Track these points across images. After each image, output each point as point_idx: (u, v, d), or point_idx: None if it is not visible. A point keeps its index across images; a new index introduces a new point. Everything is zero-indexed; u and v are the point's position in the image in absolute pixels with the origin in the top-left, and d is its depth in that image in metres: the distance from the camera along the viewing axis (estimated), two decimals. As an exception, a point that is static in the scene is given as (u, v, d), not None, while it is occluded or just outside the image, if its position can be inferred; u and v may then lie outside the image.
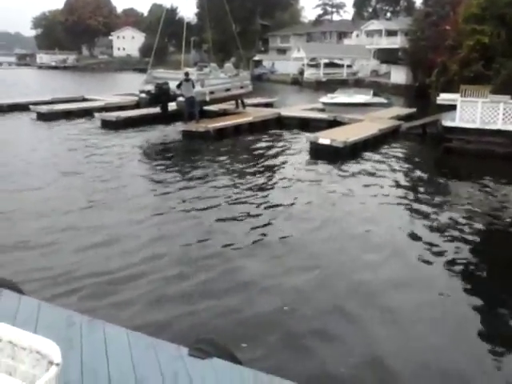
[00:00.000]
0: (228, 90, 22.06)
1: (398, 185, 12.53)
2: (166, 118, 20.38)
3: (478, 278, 7.40)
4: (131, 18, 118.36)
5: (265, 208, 10.14)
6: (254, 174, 13.29)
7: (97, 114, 20.91)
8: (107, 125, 19.99)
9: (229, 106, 23.38)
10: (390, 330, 5.66)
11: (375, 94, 25.77)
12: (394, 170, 14.08)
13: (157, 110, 20.46)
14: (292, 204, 10.48)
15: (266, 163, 14.80)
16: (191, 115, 18.93)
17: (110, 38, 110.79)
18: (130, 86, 30.08)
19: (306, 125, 20.79)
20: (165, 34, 72.18)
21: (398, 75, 45.94)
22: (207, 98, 20.01)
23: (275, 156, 15.89)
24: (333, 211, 10.11)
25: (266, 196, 11.07)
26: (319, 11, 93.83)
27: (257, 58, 70.26)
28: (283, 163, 14.75)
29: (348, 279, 6.92)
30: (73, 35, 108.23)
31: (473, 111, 16.47)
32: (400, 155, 16.36)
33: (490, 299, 6.56)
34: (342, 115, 20.96)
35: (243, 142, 18.25)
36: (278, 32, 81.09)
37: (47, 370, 2.25)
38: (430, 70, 32.41)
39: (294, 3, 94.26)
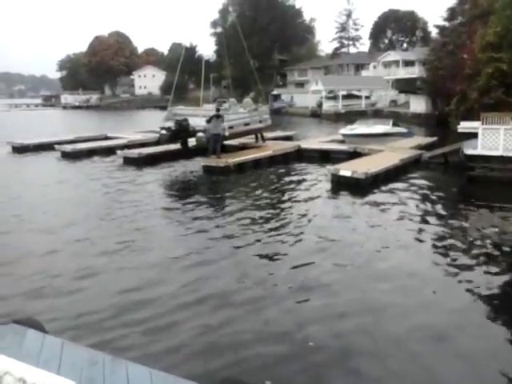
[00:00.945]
0: (247, 124, 22.33)
1: (423, 215, 12.32)
2: (187, 154, 20.64)
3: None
4: (152, 58, 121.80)
5: (294, 242, 10.01)
6: (277, 208, 13.26)
7: (119, 152, 21.30)
8: (129, 162, 20.32)
9: (249, 140, 23.60)
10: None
11: (395, 124, 25.70)
12: (417, 200, 13.89)
13: (177, 146, 20.77)
14: (321, 238, 10.31)
15: (288, 197, 14.77)
16: (215, 150, 19.06)
17: (132, 77, 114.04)
18: (151, 124, 30.67)
19: (326, 157, 20.79)
20: (185, 72, 73.96)
21: (417, 104, 45.89)
22: (226, 133, 20.24)
23: (297, 189, 15.85)
24: (362, 245, 9.97)
25: (292, 231, 10.93)
26: (336, 44, 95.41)
27: (275, 92, 71.19)
28: (305, 196, 14.66)
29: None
30: (96, 76, 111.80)
31: (495, 138, 16.28)
32: (423, 185, 16.17)
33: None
34: (362, 146, 20.93)
35: (264, 176, 18.32)
36: (295, 66, 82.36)
37: (70, 413, 2.23)
38: (450, 98, 32.27)
39: (311, 38, 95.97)
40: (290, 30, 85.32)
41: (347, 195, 14.44)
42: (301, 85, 76.52)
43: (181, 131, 19.39)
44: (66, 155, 22.62)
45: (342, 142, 23.63)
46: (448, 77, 33.86)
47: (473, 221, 12.28)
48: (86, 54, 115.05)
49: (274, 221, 11.78)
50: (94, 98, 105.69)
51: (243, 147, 22.46)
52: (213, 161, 18.69)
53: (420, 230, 10.89)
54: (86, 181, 17.18)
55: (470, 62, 28.22)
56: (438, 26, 44.89)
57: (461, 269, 8.58)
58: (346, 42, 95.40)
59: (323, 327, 6.37)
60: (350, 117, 41.27)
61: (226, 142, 22.12)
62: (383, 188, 15.34)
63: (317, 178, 17.38)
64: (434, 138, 25.29)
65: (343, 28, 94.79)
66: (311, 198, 14.36)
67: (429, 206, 13.32)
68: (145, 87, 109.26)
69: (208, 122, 18.95)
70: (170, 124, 19.57)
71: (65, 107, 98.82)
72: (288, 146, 22.87)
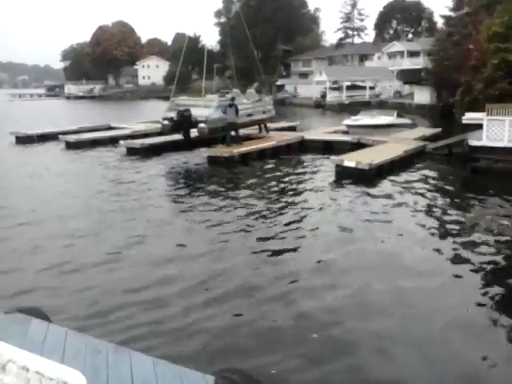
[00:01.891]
0: (250, 115, 22.25)
1: (427, 206, 12.29)
2: (189, 144, 20.61)
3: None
4: (155, 48, 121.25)
5: (301, 236, 9.94)
6: (282, 199, 13.22)
7: (122, 142, 21.33)
8: (132, 152, 20.35)
9: (252, 130, 23.54)
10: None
11: (399, 115, 25.61)
12: (421, 192, 13.84)
13: (180, 136, 20.75)
14: (327, 229, 10.31)
15: (293, 187, 14.76)
16: (231, 138, 19.81)
17: (135, 67, 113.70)
18: (155, 114, 30.62)
19: (329, 148, 20.74)
20: (188, 62, 73.76)
21: (422, 95, 45.65)
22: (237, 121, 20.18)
23: (301, 180, 15.84)
24: (367, 235, 9.99)
25: (299, 221, 10.92)
26: (340, 35, 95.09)
27: (279, 82, 70.96)
28: (309, 187, 14.65)
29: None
30: (99, 66, 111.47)
31: (500, 129, 16.20)
32: (427, 176, 16.12)
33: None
34: (366, 137, 20.85)
35: (268, 166, 18.30)
36: (299, 56, 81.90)
37: (73, 401, 2.24)
38: (454, 89, 32.12)
39: (315, 28, 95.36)
40: (294, 20, 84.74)
41: (351, 186, 14.40)
42: (305, 75, 76.14)
43: (183, 122, 19.37)
44: (70, 145, 22.65)
45: (345, 132, 23.55)
46: (453, 67, 33.64)
47: (476, 212, 12.26)
48: (90, 43, 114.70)
49: (279, 211, 11.77)
50: (97, 88, 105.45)
51: (247, 138, 22.39)
52: (217, 151, 18.69)
53: (424, 221, 10.87)
54: (91, 171, 17.20)
55: (475, 52, 28.00)
56: (443, 16, 44.60)
57: (462, 258, 8.57)
58: (350, 33, 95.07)
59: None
60: (354, 108, 41.06)
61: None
62: (387, 179, 15.31)
63: (321, 169, 17.35)
64: (439, 130, 25.17)
65: (348, 18, 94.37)
66: (315, 189, 14.34)
67: (432, 198, 13.28)
68: (148, 77, 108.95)
69: (224, 112, 19.50)
70: (173, 114, 19.55)
71: (68, 97, 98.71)
72: (292, 136, 22.80)
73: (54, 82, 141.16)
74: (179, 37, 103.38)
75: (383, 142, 19.91)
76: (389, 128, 23.17)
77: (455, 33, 36.69)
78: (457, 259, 8.57)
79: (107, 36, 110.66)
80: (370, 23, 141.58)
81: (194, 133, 20.03)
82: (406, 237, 9.82)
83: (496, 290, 7.37)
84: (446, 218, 11.41)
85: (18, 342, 3.46)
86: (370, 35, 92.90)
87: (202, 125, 18.98)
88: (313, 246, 9.30)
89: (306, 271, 7.98)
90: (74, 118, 40.64)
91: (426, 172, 16.86)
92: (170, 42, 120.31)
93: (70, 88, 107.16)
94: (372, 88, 58.51)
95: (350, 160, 15.66)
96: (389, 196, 13.23)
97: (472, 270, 8.06)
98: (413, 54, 60.54)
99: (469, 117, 18.51)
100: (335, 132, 24.45)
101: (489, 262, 8.41)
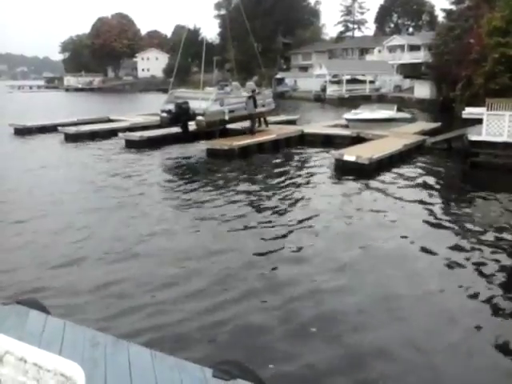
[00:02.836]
0: None
1: (426, 200, 12.29)
2: (188, 137, 20.56)
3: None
4: (155, 40, 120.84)
5: (298, 227, 10.01)
6: (280, 193, 13.22)
7: (121, 134, 21.30)
8: (131, 144, 20.30)
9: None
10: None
11: (399, 109, 25.56)
12: (421, 186, 13.86)
13: (179, 129, 20.70)
14: (325, 223, 10.33)
15: (292, 181, 14.73)
16: (251, 129, 21.11)
17: (135, 59, 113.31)
18: (154, 106, 30.53)
19: (329, 141, 20.71)
20: (188, 55, 73.51)
21: (422, 90, 45.56)
22: (226, 117, 20.12)
23: (300, 174, 15.82)
24: (366, 229, 10.04)
25: (295, 215, 10.94)
26: (341, 28, 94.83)
27: (279, 75, 70.68)
28: (309, 181, 14.65)
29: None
30: (99, 58, 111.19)
31: (500, 124, 16.16)
32: (426, 171, 16.13)
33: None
34: (366, 131, 20.82)
35: (268, 160, 18.28)
36: (299, 50, 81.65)
37: (71, 393, 2.23)
38: (455, 83, 32.06)
39: (315, 21, 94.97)
40: (294, 13, 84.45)
41: (351, 180, 14.39)
42: (305, 69, 75.91)
43: (181, 114, 19.31)
44: (69, 137, 22.59)
45: (345, 126, 23.50)
46: (454, 62, 33.57)
47: (475, 206, 12.27)
48: (89, 35, 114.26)
49: (278, 205, 11.78)
50: (96, 80, 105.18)
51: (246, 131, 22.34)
52: (216, 143, 18.65)
53: (422, 215, 10.88)
54: (90, 164, 17.13)
55: (476, 46, 27.94)
56: (444, 10, 44.45)
57: (460, 252, 8.59)
58: (351, 26, 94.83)
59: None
60: (353, 101, 41.01)
61: (229, 127, 22.07)
62: (387, 173, 15.30)
63: (320, 163, 17.33)
64: (438, 124, 25.14)
65: (348, 11, 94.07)
66: (315, 183, 14.34)
67: (431, 192, 13.29)
68: (148, 70, 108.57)
69: (246, 104, 20.76)
70: (171, 107, 19.49)
71: (67, 89, 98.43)
72: (291, 130, 22.75)
73: (52, 74, 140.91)
74: (179, 29, 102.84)
75: (383, 137, 19.89)
76: (389, 122, 23.13)
77: (456, 27, 36.58)
78: (454, 253, 8.58)
79: (107, 28, 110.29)
80: (370, 16, 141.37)
81: (192, 126, 19.98)
82: (405, 231, 9.81)
83: (484, 272, 7.43)
84: (445, 212, 11.42)
85: (17, 333, 3.47)
86: (370, 29, 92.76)
87: (199, 117, 18.92)
88: (313, 242, 9.30)
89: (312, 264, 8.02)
90: (73, 110, 40.49)
91: (426, 166, 16.86)
92: (169, 35, 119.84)
93: (69, 80, 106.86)
94: (372, 82, 58.35)
95: (349, 154, 15.63)
96: (388, 190, 13.22)
97: (467, 264, 8.08)
98: (413, 47, 60.35)
99: (469, 111, 18.47)
100: (335, 126, 24.40)
101: (487, 256, 8.42)
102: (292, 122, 27.31)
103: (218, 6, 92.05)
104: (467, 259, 8.30)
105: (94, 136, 22.89)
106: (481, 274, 7.74)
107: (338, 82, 57.12)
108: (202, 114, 18.97)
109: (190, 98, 19.88)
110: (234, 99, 21.25)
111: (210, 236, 9.51)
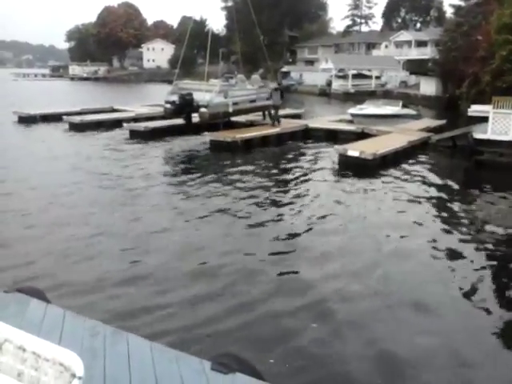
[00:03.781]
0: (253, 101, 22.10)
1: (429, 198, 12.28)
2: (192, 129, 20.54)
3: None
4: (161, 31, 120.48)
5: (303, 222, 9.99)
6: (283, 187, 13.23)
7: (125, 125, 21.27)
8: (135, 135, 20.27)
9: (256, 117, 23.42)
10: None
11: (404, 106, 25.47)
12: (424, 184, 13.81)
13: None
14: (323, 218, 10.30)
15: (295, 176, 14.70)
16: (274, 119, 21.56)
17: (141, 49, 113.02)
18: (158, 97, 30.47)
19: (333, 136, 20.64)
20: (194, 46, 73.32)
21: (428, 86, 45.34)
22: (230, 110, 20.06)
23: (303, 168, 15.78)
24: (365, 223, 10.03)
25: (298, 210, 10.92)
26: (348, 22, 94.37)
27: (285, 69, 70.43)
28: (312, 176, 14.62)
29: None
30: (104, 47, 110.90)
31: (506, 123, 16.09)
32: (430, 168, 16.07)
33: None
34: (370, 127, 20.74)
35: (271, 154, 18.23)
36: (305, 43, 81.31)
37: (69, 383, 2.23)
38: (461, 81, 31.87)
39: (323, 14, 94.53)
40: (301, 6, 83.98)
41: (355, 175, 14.35)
42: (310, 62, 75.62)
43: (185, 105, 19.30)
44: (74, 127, 22.57)
45: (350, 121, 23.44)
46: (461, 59, 33.37)
47: (478, 205, 12.24)
48: (95, 24, 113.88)
49: (280, 199, 11.78)
50: (102, 69, 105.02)
51: (250, 124, 22.31)
52: (220, 136, 18.63)
53: (425, 213, 10.87)
54: (95, 154, 17.03)
55: (484, 43, 27.75)
56: (453, 6, 44.13)
57: (464, 251, 8.57)
58: (358, 20, 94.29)
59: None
60: (359, 97, 40.85)
61: (234, 119, 22.04)
62: (391, 169, 15.25)
63: (324, 157, 17.28)
64: (443, 121, 25.02)
65: (356, 5, 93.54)
66: (318, 177, 14.31)
67: (435, 190, 13.26)
68: (153, 60, 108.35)
69: (270, 96, 21.62)
70: (175, 98, 19.47)
71: (72, 78, 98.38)
72: (296, 124, 22.66)
73: (58, 63, 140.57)
74: (186, 20, 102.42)
75: (387, 133, 19.82)
76: (394, 118, 23.05)
77: (464, 23, 36.33)
78: (456, 250, 8.57)
79: (113, 17, 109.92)
80: (378, 11, 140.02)
81: (196, 117, 19.96)
82: (408, 228, 9.80)
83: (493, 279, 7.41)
84: (448, 209, 11.40)
85: (16, 321, 3.47)
86: (377, 23, 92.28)
87: (203, 109, 18.89)
88: (313, 239, 9.28)
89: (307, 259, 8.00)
90: (77, 99, 40.43)
91: (429, 163, 16.81)
92: (176, 25, 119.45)
93: (75, 69, 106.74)
94: (378, 77, 58.14)
95: (353, 149, 15.58)
96: (392, 186, 13.19)
97: (469, 262, 8.07)
98: (420, 43, 60.03)
99: (474, 109, 18.38)
100: (340, 121, 24.33)
101: (490, 254, 8.41)
102: (297, 116, 27.20)
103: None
104: (470, 259, 8.29)
105: (98, 126, 22.84)
106: (482, 268, 7.74)
107: (344, 77, 56.92)
108: (206, 106, 18.94)
109: (194, 90, 19.86)
110: (239, 91, 21.20)
111: (220, 230, 9.37)
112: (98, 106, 28.64)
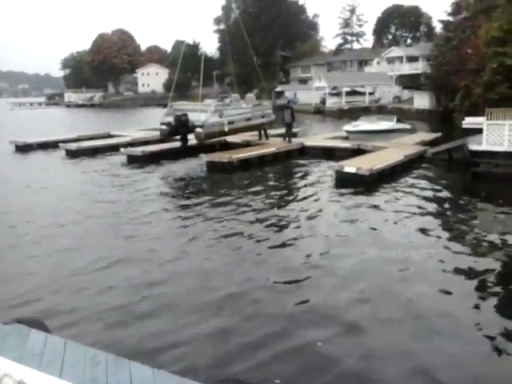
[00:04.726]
0: (249, 119, 22.20)
1: (428, 211, 12.25)
2: (189, 151, 20.60)
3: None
4: (155, 55, 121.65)
5: (302, 240, 10.00)
6: (281, 205, 13.25)
7: (122, 150, 21.31)
8: (133, 160, 20.32)
9: (252, 137, 23.53)
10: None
11: (399, 121, 25.62)
12: (422, 197, 13.78)
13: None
14: (326, 236, 10.31)
15: (293, 194, 14.72)
16: (287, 137, 22.56)
17: (135, 75, 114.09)
18: (154, 121, 30.63)
19: (329, 154, 20.68)
20: (188, 69, 73.97)
21: (421, 100, 45.71)
22: (226, 129, 20.10)
23: (301, 186, 15.79)
24: (367, 240, 10.00)
25: (298, 228, 10.92)
26: (339, 40, 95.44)
27: (278, 88, 70.97)
28: (309, 193, 14.58)
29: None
30: (99, 74, 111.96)
31: (500, 134, 16.17)
32: (427, 181, 16.08)
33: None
34: (366, 143, 20.80)
35: (268, 173, 18.24)
36: (298, 62, 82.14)
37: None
38: (454, 94, 32.16)
39: (314, 34, 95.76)
40: (293, 27, 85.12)
41: (352, 192, 14.34)
42: (304, 81, 76.23)
43: (180, 126, 19.36)
44: (71, 153, 22.63)
45: (345, 138, 23.54)
46: (452, 72, 33.74)
47: (476, 217, 12.23)
48: (90, 51, 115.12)
49: (282, 218, 11.77)
50: (97, 96, 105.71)
51: (247, 145, 22.40)
52: (216, 156, 18.69)
53: (424, 226, 10.83)
54: (93, 180, 17.06)
55: (474, 56, 28.09)
56: (442, 21, 44.78)
57: (462, 264, 8.53)
58: (349, 38, 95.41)
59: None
60: (353, 113, 41.11)
61: (230, 140, 22.12)
62: (388, 184, 15.26)
63: (321, 175, 17.28)
64: (438, 134, 25.15)
65: (347, 24, 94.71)
66: (316, 195, 14.30)
67: (433, 203, 13.25)
68: (148, 85, 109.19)
69: (282, 115, 22.75)
70: (171, 119, 19.54)
71: (68, 105, 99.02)
72: (292, 143, 22.74)
73: (53, 91, 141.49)
74: (179, 44, 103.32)
75: (383, 148, 19.88)
76: (389, 133, 23.16)
77: (454, 37, 36.80)
78: (456, 263, 8.53)
79: (107, 44, 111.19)
80: (368, 29, 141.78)
81: (192, 139, 19.99)
82: (407, 242, 9.79)
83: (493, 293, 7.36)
84: (447, 222, 11.39)
85: (17, 353, 3.44)
86: (368, 41, 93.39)
87: (198, 129, 18.95)
88: (311, 248, 9.26)
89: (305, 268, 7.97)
90: (73, 126, 40.66)
91: (427, 177, 16.84)
92: (169, 50, 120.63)
93: (70, 96, 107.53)
94: (371, 93, 58.60)
95: (350, 166, 15.62)
96: (389, 201, 13.19)
97: (468, 275, 8.04)
98: (412, 58, 60.70)
99: (468, 121, 18.50)
100: (335, 138, 24.41)
101: (488, 267, 8.38)
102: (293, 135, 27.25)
103: (217, 21, 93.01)
104: (469, 270, 8.27)
105: (95, 152, 22.91)
106: (482, 282, 7.70)
107: (338, 94, 57.36)
108: (201, 126, 19.01)
109: (189, 111, 19.95)
110: (234, 110, 21.28)
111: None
112: (94, 133, 28.77)
